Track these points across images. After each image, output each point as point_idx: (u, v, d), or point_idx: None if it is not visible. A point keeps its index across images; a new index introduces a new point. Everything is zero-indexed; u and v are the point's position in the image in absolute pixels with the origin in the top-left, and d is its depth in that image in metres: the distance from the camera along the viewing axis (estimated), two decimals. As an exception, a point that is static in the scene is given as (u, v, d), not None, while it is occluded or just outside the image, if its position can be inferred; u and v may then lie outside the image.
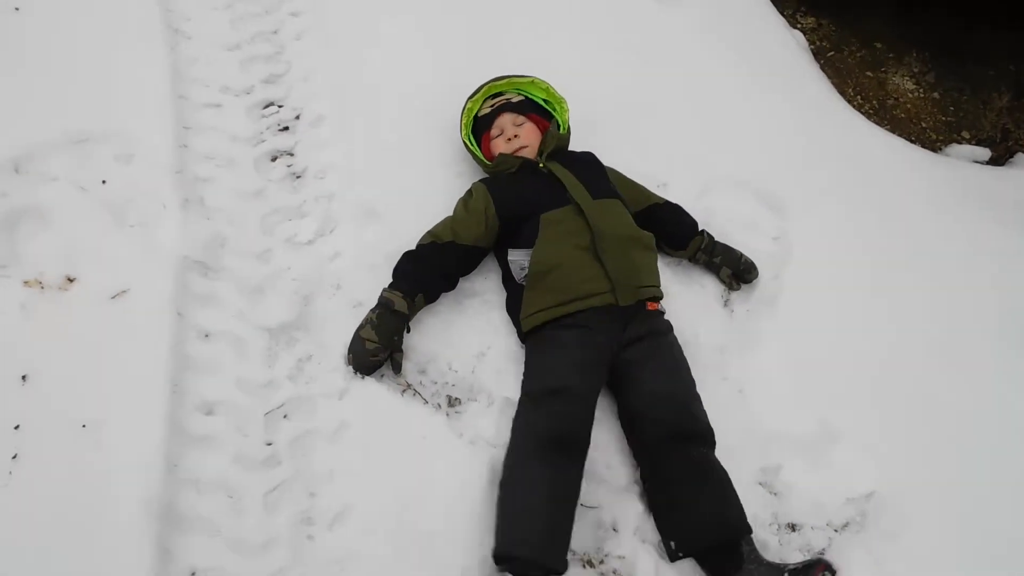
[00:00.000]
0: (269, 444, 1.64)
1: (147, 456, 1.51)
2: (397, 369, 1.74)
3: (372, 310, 1.73)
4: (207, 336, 1.73)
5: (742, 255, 2.06)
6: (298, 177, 2.04)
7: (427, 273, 1.77)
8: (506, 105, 2.04)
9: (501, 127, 2.02)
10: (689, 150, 2.30)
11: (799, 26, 2.85)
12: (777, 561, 1.63)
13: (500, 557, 1.50)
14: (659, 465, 1.66)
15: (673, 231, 2.04)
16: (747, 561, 1.57)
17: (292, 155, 2.07)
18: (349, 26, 2.34)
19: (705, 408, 1.76)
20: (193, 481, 1.54)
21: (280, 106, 2.16)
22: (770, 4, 2.80)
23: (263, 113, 2.13)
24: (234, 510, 1.54)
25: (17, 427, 1.50)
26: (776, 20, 2.77)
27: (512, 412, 1.73)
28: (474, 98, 2.06)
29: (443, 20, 2.42)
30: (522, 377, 1.77)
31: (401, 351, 1.74)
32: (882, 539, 1.76)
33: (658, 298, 1.85)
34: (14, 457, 1.46)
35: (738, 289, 2.09)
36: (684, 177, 2.22)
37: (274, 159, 2.05)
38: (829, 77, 2.67)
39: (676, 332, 1.88)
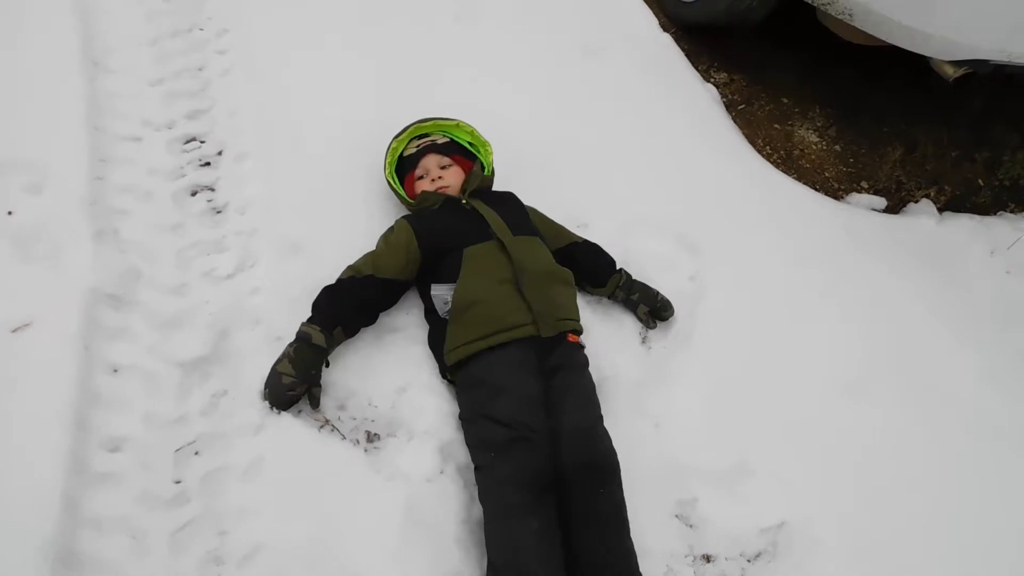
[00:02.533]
0: (178, 482, 1.58)
1: (45, 495, 1.44)
2: (315, 404, 1.72)
3: (290, 344, 1.71)
4: (116, 371, 1.67)
5: (658, 293, 2.13)
6: (219, 212, 2.02)
7: (346, 306, 1.77)
8: (431, 147, 2.08)
9: (426, 168, 2.06)
10: (608, 193, 2.38)
11: (712, 80, 3.01)
12: None
13: None
14: (570, 502, 1.65)
15: (592, 269, 2.09)
16: None
17: (213, 190, 2.05)
18: (275, 65, 2.35)
19: (623, 440, 1.79)
20: (95, 521, 1.48)
21: (203, 141, 2.14)
22: (685, 59, 2.96)
23: (184, 148, 2.11)
24: (138, 550, 1.48)
25: (-100, 465, 1.41)
26: (691, 74, 2.92)
27: (431, 447, 1.74)
28: (399, 138, 2.10)
29: (370, 62, 2.46)
30: (463, 421, 1.76)
31: (319, 385, 1.72)
32: (793, 568, 1.81)
33: (578, 332, 1.89)
34: None
35: (654, 327, 2.16)
36: (603, 218, 2.29)
37: (194, 194, 2.03)
38: (740, 128, 2.82)
39: (594, 367, 1.92)
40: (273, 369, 1.68)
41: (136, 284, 1.80)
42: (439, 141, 2.11)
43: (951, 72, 2.46)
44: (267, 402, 1.68)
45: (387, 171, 2.07)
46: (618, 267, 2.14)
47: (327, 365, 1.76)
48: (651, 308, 2.12)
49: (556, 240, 2.06)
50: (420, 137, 2.12)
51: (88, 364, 1.63)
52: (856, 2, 2.49)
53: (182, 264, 1.89)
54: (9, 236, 1.76)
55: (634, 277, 2.15)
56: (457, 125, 2.14)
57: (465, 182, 2.03)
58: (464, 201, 1.98)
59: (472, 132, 2.14)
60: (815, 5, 2.66)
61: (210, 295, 1.85)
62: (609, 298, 2.15)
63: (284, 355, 1.69)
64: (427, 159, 2.06)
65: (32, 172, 1.88)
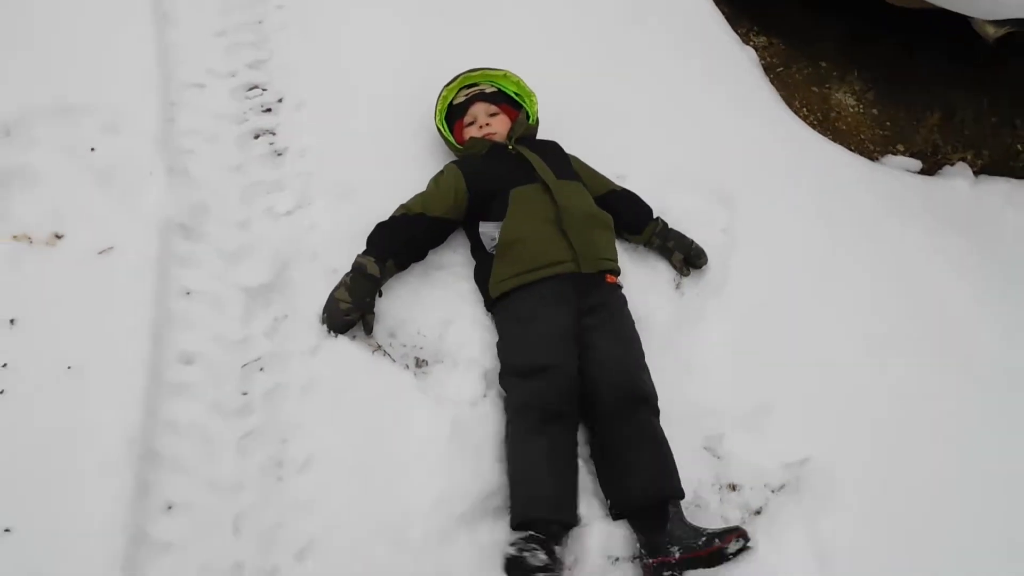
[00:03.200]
0: (244, 394, 1.73)
1: (128, 399, 1.60)
2: (368, 330, 1.85)
3: (346, 274, 1.84)
4: (188, 294, 1.82)
5: (693, 242, 2.22)
6: (279, 155, 2.15)
7: (397, 241, 1.90)
8: (480, 95, 2.19)
9: (474, 115, 2.16)
10: (647, 147, 2.46)
11: (751, 43, 3.06)
12: (700, 525, 1.72)
13: (519, 524, 1.62)
14: (607, 428, 1.78)
15: (630, 216, 2.19)
16: (671, 521, 1.67)
17: (274, 134, 2.19)
18: (331, 18, 2.47)
19: (655, 380, 1.89)
20: (171, 424, 1.63)
21: (264, 89, 2.27)
22: (725, 23, 3.01)
23: (247, 95, 2.25)
24: (209, 452, 1.63)
25: (4, 365, 1.57)
26: (730, 37, 2.98)
27: (475, 374, 1.86)
28: (450, 87, 2.21)
29: (420, 18, 2.56)
30: (498, 348, 1.88)
31: (373, 313, 1.85)
32: (814, 499, 1.89)
33: (616, 272, 1.99)
34: (1, 392, 1.54)
35: (687, 275, 2.25)
36: (640, 170, 2.37)
37: (256, 137, 2.17)
38: (778, 90, 2.87)
39: (630, 308, 2.03)
40: (331, 296, 1.81)
41: (205, 217, 1.95)
42: (487, 90, 2.21)
43: (992, 32, 2.48)
44: (325, 326, 1.82)
45: (437, 118, 2.18)
46: (654, 215, 2.22)
47: (380, 295, 1.89)
48: (686, 256, 2.20)
49: (596, 187, 2.15)
50: (469, 87, 2.23)
51: (164, 286, 1.78)
52: (897, -39, 2.52)
53: (246, 201, 2.02)
54: (92, 170, 1.91)
55: (669, 226, 2.24)
56: (504, 75, 2.23)
57: (511, 129, 2.13)
58: (510, 147, 2.08)
59: (518, 82, 2.24)
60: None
61: (270, 230, 1.99)
62: (645, 245, 2.24)
63: (341, 283, 1.82)
64: (476, 107, 2.16)
65: (109, 114, 2.02)
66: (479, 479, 1.72)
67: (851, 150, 2.80)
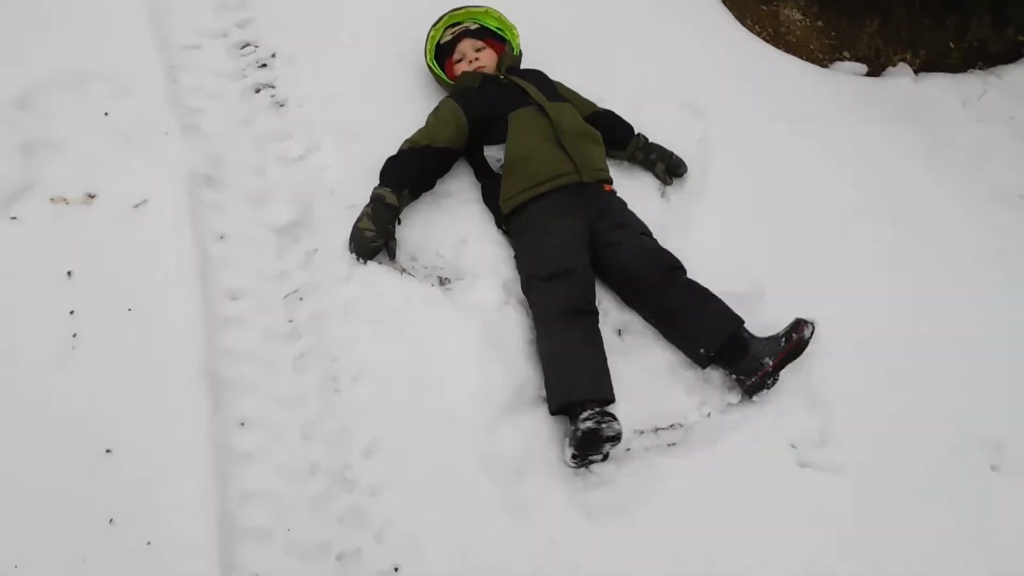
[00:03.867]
0: (290, 321, 1.88)
1: (190, 333, 1.74)
2: (392, 255, 2.00)
3: (367, 205, 1.99)
4: (222, 237, 1.95)
5: (673, 153, 2.41)
6: (281, 105, 2.26)
7: (408, 172, 2.05)
8: (466, 32, 2.33)
9: (463, 52, 2.31)
10: (619, 70, 2.63)
11: (702, -31, 3.23)
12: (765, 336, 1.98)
13: (560, 408, 1.80)
14: (659, 298, 2.01)
15: (614, 133, 2.37)
16: (750, 343, 1.94)
17: (273, 87, 2.29)
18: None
19: None
20: (230, 352, 1.77)
21: (256, 46, 2.37)
22: (676, -51, 3.18)
23: (241, 53, 2.35)
24: (269, 373, 1.79)
25: (72, 312, 1.69)
26: (682, -37, 3.15)
27: (496, 283, 2.03)
28: (436, 27, 2.34)
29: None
30: (518, 259, 2.05)
31: (395, 239, 2.00)
32: (806, 363, 2.10)
33: (610, 182, 2.18)
34: (74, 335, 1.67)
35: (670, 183, 2.44)
36: (617, 91, 2.54)
37: (257, 91, 2.27)
38: (730, 11, 3.06)
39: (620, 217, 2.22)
40: (355, 227, 1.96)
41: (224, 167, 2.06)
42: (471, 27, 2.35)
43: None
44: (353, 255, 1.97)
45: (428, 58, 2.32)
46: (636, 132, 2.41)
47: (399, 222, 2.04)
48: (668, 165, 2.40)
49: (581, 109, 2.32)
50: (453, 25, 2.36)
51: (200, 232, 1.91)
52: None
53: (258, 149, 2.14)
54: (111, 133, 2.01)
55: (651, 140, 2.43)
56: (486, 12, 2.37)
57: (499, 61, 2.28)
58: (502, 76, 2.23)
59: (499, 17, 2.38)
60: None
61: (286, 174, 2.11)
62: (629, 160, 2.42)
63: (363, 214, 1.97)
64: (463, 44, 2.30)
65: (117, 80, 2.11)
66: (512, 374, 1.90)
67: (803, 60, 3.01)
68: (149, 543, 1.46)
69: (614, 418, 1.73)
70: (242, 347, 1.79)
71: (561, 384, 1.83)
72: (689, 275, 2.11)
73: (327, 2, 2.54)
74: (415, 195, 2.08)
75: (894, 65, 3.16)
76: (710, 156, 2.52)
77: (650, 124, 2.52)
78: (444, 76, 2.32)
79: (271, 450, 1.67)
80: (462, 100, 2.17)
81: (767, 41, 3.07)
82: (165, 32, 2.29)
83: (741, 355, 1.92)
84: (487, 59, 2.29)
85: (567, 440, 1.76)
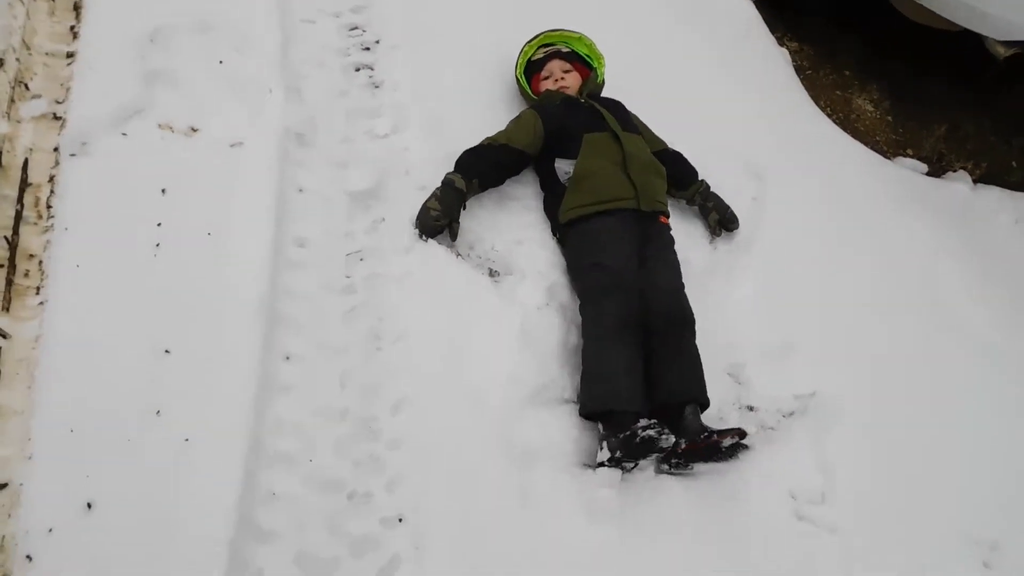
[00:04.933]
0: (348, 277, 2.02)
1: (257, 265, 1.87)
2: (453, 237, 2.13)
3: (437, 188, 2.13)
4: (301, 191, 2.10)
5: (729, 207, 2.52)
6: (376, 87, 2.44)
7: (483, 164, 2.19)
8: (557, 53, 2.49)
9: (551, 71, 2.47)
10: (691, 122, 2.76)
11: (785, 47, 3.39)
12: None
13: (594, 413, 1.90)
14: (655, 343, 2.06)
15: (678, 173, 2.49)
16: (685, 419, 1.95)
17: (372, 69, 2.47)
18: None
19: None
20: (289, 292, 1.90)
21: (364, 31, 2.56)
22: (765, 26, 3.34)
23: (350, 34, 2.54)
24: (320, 319, 1.91)
25: (159, 224, 1.84)
26: (769, 39, 3.30)
27: (542, 285, 2.15)
28: (531, 43, 2.51)
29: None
30: (571, 269, 2.17)
31: (458, 223, 2.13)
32: (818, 425, 2.19)
33: (667, 215, 2.30)
34: (157, 245, 1.81)
35: (719, 235, 2.55)
36: (686, 140, 2.67)
37: (358, 70, 2.45)
38: (806, 90, 3.20)
39: None
40: (424, 205, 2.10)
41: (315, 130, 2.23)
42: (563, 50, 2.51)
43: (1003, 52, 2.82)
44: (417, 230, 2.10)
45: (518, 71, 2.48)
46: (699, 177, 2.53)
47: (464, 208, 2.17)
48: (721, 217, 2.50)
49: (652, 144, 2.45)
50: (547, 45, 2.53)
51: (282, 181, 2.06)
52: (925, -18, 2.86)
53: (349, 121, 2.31)
54: (223, 79, 2.18)
55: (711, 189, 2.55)
56: (580, 38, 2.54)
57: (583, 85, 2.44)
58: (582, 99, 2.38)
59: (591, 46, 2.54)
60: (888, -16, 3.04)
61: (370, 148, 2.27)
62: (688, 202, 2.54)
63: (432, 195, 2.11)
64: (552, 63, 2.46)
65: (238, 36, 2.29)
66: (541, 370, 2.00)
67: (868, 148, 3.13)
68: (187, 440, 1.57)
69: (670, 432, 1.82)
70: (300, 289, 1.93)
71: (605, 391, 1.91)
72: (720, 323, 2.22)
73: (436, 7, 2.73)
74: (483, 187, 2.21)
75: (955, 171, 3.26)
76: (762, 217, 2.63)
77: (710, 174, 2.64)
78: (529, 90, 2.47)
79: (309, 387, 1.79)
80: (543, 112, 2.31)
81: (837, 124, 3.19)
82: (287, 3, 2.50)
83: (671, 425, 1.91)
84: (572, 81, 2.45)
85: (606, 443, 1.85)
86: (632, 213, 2.18)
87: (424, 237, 2.10)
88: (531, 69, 2.52)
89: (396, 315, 1.97)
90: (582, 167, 2.19)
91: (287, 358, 1.81)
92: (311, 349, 1.85)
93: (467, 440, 1.81)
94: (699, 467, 2.00)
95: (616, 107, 2.44)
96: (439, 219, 2.08)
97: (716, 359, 2.25)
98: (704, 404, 2.02)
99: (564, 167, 2.23)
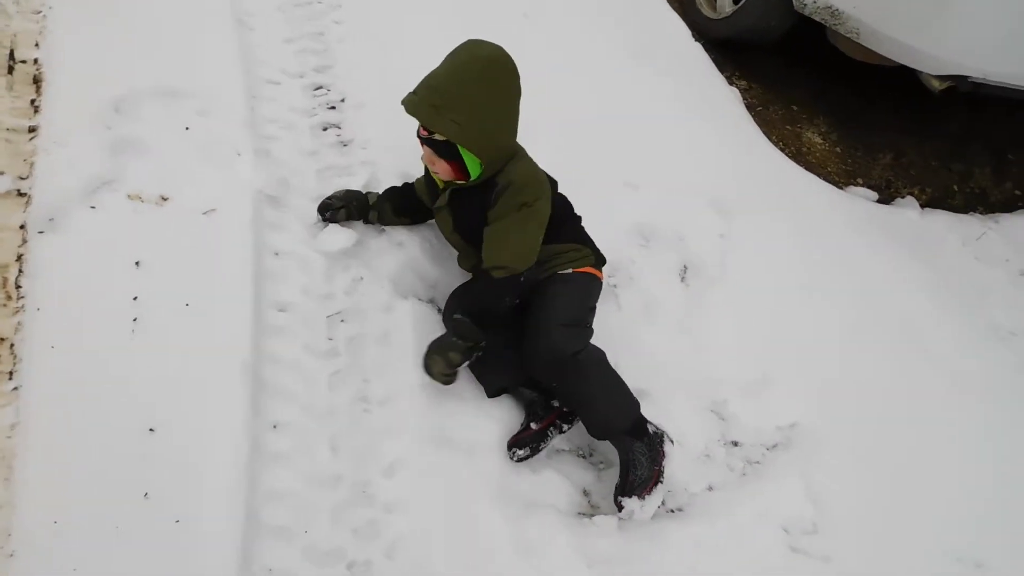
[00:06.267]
0: (330, 339, 1.99)
1: (239, 333, 1.84)
2: (336, 220, 2.17)
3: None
4: (277, 254, 2.08)
5: None
6: (345, 145, 2.44)
7: (397, 194, 2.23)
8: (426, 139, 1.95)
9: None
10: (654, 163, 2.84)
11: (735, 85, 3.52)
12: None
13: (633, 425, 1.96)
14: None
15: None
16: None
17: (340, 128, 2.47)
18: (384, 28, 2.80)
19: (669, 355, 2.26)
20: (273, 358, 1.87)
21: (328, 90, 2.57)
22: (714, 66, 3.46)
23: (314, 93, 2.54)
24: (306, 384, 1.88)
25: (136, 298, 1.80)
26: (719, 78, 3.43)
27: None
28: None
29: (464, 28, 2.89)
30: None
31: (351, 217, 2.19)
32: (803, 455, 2.24)
33: None
34: (135, 320, 1.77)
35: None
36: (650, 182, 2.74)
37: (325, 129, 2.45)
38: (759, 126, 3.31)
39: (645, 296, 2.40)
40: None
41: (288, 191, 2.21)
42: (422, 133, 1.96)
43: (937, 85, 2.98)
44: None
45: None
46: None
47: (375, 223, 2.23)
48: None
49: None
50: None
51: (259, 245, 2.04)
52: (862, 22, 3.01)
53: (321, 180, 2.29)
54: (191, 145, 2.16)
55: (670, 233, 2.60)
56: (437, 111, 1.85)
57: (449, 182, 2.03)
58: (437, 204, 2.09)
59: (463, 126, 1.84)
60: (827, 25, 3.18)
61: (344, 207, 2.27)
62: None
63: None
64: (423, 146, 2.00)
65: (203, 100, 2.28)
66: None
67: (821, 179, 3.25)
68: (178, 521, 1.52)
69: None
70: (284, 356, 1.89)
71: (630, 404, 1.97)
72: (698, 361, 2.31)
73: (399, 63, 2.75)
74: (396, 213, 2.21)
75: (903, 197, 3.40)
76: (729, 252, 2.69)
77: (677, 213, 2.71)
78: None
79: (300, 455, 1.75)
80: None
81: (790, 157, 3.30)
82: (251, 65, 2.49)
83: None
84: (443, 172, 1.99)
85: (658, 439, 1.98)
86: None
87: (319, 216, 2.17)
88: None
89: (381, 375, 1.96)
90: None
91: (275, 426, 1.77)
92: (299, 416, 1.82)
93: (464, 498, 1.79)
94: (690, 508, 2.03)
95: (477, 203, 1.95)
96: (333, 203, 2.15)
97: (698, 398, 2.30)
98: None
99: None
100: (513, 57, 1.90)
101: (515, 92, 1.90)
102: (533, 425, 2.00)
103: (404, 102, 1.89)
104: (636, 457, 1.94)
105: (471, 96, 1.82)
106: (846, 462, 2.24)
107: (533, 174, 1.98)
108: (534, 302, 2.00)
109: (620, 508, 1.90)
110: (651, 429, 2.01)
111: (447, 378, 1.89)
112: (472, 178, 1.94)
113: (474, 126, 1.82)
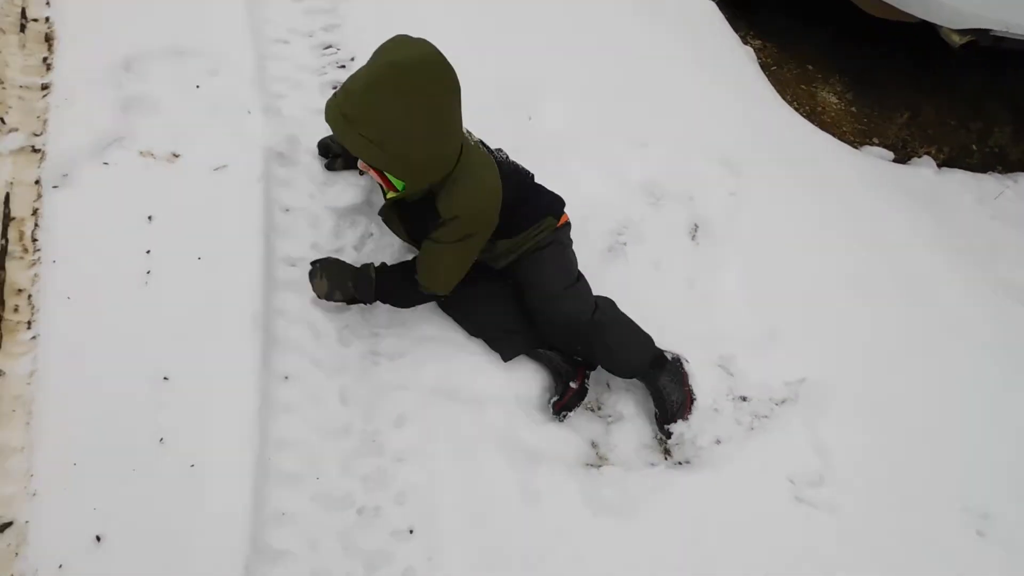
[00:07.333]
0: (340, 293, 2.01)
1: (250, 286, 1.87)
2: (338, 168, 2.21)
3: None
4: (287, 210, 2.10)
5: None
6: (354, 104, 2.44)
7: None
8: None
9: None
10: (668, 124, 2.82)
11: (749, 44, 3.47)
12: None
13: (655, 359, 2.06)
14: None
15: None
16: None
17: (349, 87, 2.48)
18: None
19: (679, 312, 2.28)
20: (283, 312, 1.90)
21: (338, 49, 2.56)
22: (728, 25, 3.41)
23: (324, 52, 2.54)
24: (315, 338, 1.91)
25: (148, 251, 1.83)
26: (733, 37, 3.37)
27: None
28: None
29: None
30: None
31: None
32: (811, 410, 2.24)
33: None
34: (148, 272, 1.80)
35: None
36: (661, 138, 2.73)
37: (334, 87, 2.45)
38: (772, 85, 3.27)
39: (654, 257, 2.40)
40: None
41: (297, 148, 2.22)
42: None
43: (957, 39, 2.92)
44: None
45: None
46: None
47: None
48: None
49: None
50: None
51: (268, 201, 2.05)
52: (880, -24, 2.96)
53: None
54: (201, 103, 2.18)
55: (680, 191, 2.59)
56: (350, 127, 1.66)
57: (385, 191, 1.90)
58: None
59: (375, 142, 1.63)
60: (844, -21, 3.13)
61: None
62: None
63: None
64: None
65: (212, 59, 2.28)
66: (538, 376, 2.04)
67: (835, 139, 3.21)
68: (192, 466, 1.56)
69: None
70: (293, 309, 1.92)
71: (646, 342, 2.06)
72: (707, 316, 2.30)
73: (407, 21, 2.74)
74: None
75: (919, 156, 3.35)
76: (739, 209, 2.68)
77: (688, 171, 2.69)
78: None
79: (310, 406, 1.79)
80: None
81: (804, 117, 3.26)
82: (259, 25, 2.49)
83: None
84: (378, 176, 1.82)
85: (677, 363, 2.10)
86: None
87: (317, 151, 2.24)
88: None
89: (391, 330, 1.98)
90: None
91: (286, 377, 1.81)
92: (309, 369, 1.85)
93: (472, 449, 1.82)
94: (697, 460, 2.05)
95: (421, 222, 1.83)
96: (333, 147, 2.21)
97: (707, 354, 2.30)
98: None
99: None
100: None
101: (443, 99, 1.65)
102: (572, 384, 2.03)
103: (326, 104, 1.70)
104: (665, 386, 2.07)
105: (383, 110, 1.58)
106: (854, 416, 2.25)
107: (480, 208, 1.78)
108: (526, 280, 1.99)
109: (668, 435, 2.06)
110: (668, 356, 2.11)
111: (318, 296, 1.90)
112: (400, 192, 1.76)
113: (385, 145, 1.60)
